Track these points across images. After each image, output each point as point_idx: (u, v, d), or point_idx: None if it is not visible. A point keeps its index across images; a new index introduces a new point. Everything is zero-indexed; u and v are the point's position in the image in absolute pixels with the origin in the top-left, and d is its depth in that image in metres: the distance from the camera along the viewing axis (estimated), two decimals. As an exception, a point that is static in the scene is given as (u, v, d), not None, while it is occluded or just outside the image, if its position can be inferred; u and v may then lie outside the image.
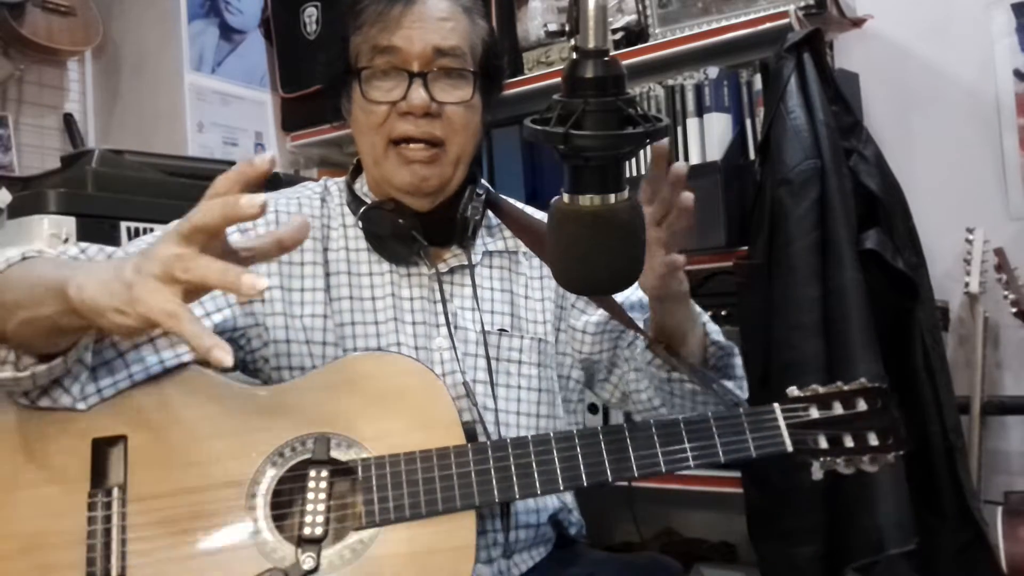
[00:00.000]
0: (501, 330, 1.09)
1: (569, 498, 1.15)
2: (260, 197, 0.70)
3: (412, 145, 1.03)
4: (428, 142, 1.03)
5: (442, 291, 1.07)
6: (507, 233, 1.16)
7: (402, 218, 1.05)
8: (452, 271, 1.10)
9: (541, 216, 1.17)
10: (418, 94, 1.01)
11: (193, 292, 0.73)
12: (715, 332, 1.12)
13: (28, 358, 0.84)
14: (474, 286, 1.09)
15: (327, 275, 1.07)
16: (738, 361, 1.12)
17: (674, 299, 1.01)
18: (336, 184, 1.16)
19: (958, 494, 1.66)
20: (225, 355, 0.69)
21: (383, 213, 1.06)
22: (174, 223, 0.74)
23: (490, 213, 1.15)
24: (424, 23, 1.02)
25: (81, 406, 0.90)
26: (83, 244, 0.97)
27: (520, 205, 1.21)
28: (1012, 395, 1.94)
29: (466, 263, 1.10)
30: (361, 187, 1.13)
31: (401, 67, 1.02)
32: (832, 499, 1.61)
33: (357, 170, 1.14)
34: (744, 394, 1.09)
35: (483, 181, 1.16)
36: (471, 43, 1.06)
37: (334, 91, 1.10)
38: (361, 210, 1.07)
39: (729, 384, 1.07)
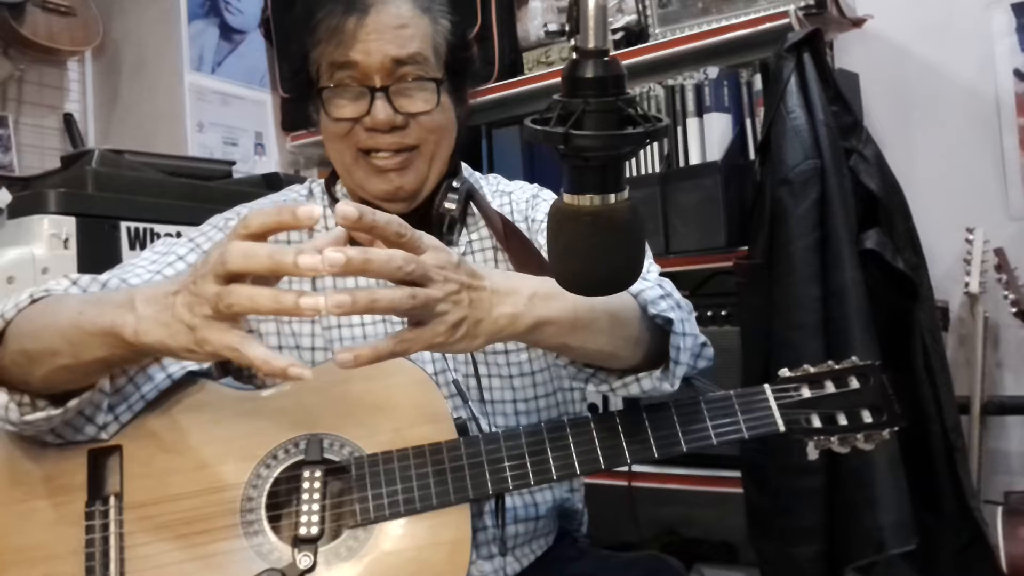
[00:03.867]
0: None
1: (576, 484, 1.15)
2: (318, 263, 0.68)
3: (382, 154, 1.03)
4: (397, 149, 1.03)
5: None
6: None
7: None
8: None
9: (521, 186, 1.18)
10: (381, 110, 1.00)
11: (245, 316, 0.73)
12: (653, 304, 0.90)
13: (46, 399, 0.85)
14: None
15: (313, 279, 1.07)
16: (677, 340, 0.90)
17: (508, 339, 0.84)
18: (319, 185, 1.16)
19: (958, 494, 1.66)
20: (303, 370, 0.70)
21: None
22: (216, 252, 0.72)
23: (472, 202, 1.15)
24: (381, 34, 1.00)
25: (104, 436, 0.91)
26: (73, 275, 0.95)
27: (494, 181, 1.20)
28: (1012, 395, 1.95)
29: None
30: (340, 189, 1.13)
31: (362, 82, 1.01)
32: (832, 499, 1.61)
33: (336, 172, 1.14)
34: (676, 381, 0.92)
35: (466, 169, 1.16)
36: (433, 44, 1.04)
37: (300, 100, 1.10)
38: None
39: (654, 381, 0.91)
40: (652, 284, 0.94)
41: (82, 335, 0.78)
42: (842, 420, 0.96)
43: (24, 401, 0.84)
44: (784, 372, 1.00)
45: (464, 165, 1.17)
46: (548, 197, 1.17)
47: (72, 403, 0.84)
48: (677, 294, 0.98)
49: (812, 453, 0.96)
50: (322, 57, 1.03)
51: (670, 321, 0.89)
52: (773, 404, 0.96)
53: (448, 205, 1.07)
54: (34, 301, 0.86)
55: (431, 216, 1.08)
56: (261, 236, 0.71)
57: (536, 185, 1.21)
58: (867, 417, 0.96)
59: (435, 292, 0.74)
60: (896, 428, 0.96)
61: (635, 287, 0.90)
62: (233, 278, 0.71)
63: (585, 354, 0.88)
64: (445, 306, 0.75)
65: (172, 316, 0.73)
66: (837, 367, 0.99)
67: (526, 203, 1.16)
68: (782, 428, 0.96)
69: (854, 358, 1.00)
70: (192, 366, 0.96)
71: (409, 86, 1.02)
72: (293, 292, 0.69)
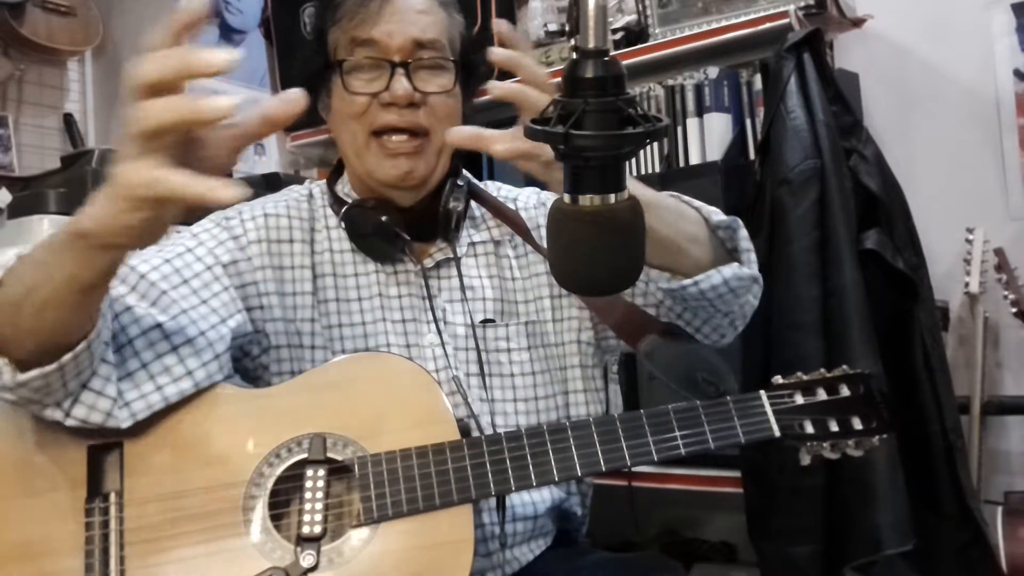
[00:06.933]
0: (485, 321, 1.09)
1: (574, 488, 1.15)
2: (226, 54, 0.64)
3: (395, 137, 1.03)
4: (412, 132, 1.03)
5: (428, 287, 1.07)
6: (491, 223, 1.16)
7: (384, 215, 1.05)
8: (438, 265, 1.10)
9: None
10: (401, 84, 1.01)
11: (174, 147, 0.67)
12: (714, 213, 1.02)
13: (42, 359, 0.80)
14: (460, 278, 1.09)
15: (314, 278, 1.07)
16: (743, 233, 1.02)
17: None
18: (319, 186, 1.16)
19: (958, 494, 1.66)
20: (228, 189, 0.65)
21: (365, 211, 1.06)
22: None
23: (473, 204, 1.15)
24: (403, 16, 1.02)
25: (119, 414, 0.86)
26: None
27: (495, 188, 1.20)
28: (1012, 395, 1.95)
29: (451, 256, 1.10)
30: (343, 187, 1.13)
31: (382, 58, 1.02)
32: (831, 499, 1.61)
33: (337, 171, 1.14)
34: (752, 267, 1.01)
35: (465, 172, 1.16)
36: (449, 36, 1.06)
37: (312, 89, 1.09)
38: (343, 210, 1.07)
39: (734, 268, 0.98)
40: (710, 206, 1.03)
41: (51, 255, 0.76)
42: (833, 426, 0.98)
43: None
44: (777, 379, 1.02)
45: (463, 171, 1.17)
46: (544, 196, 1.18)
47: (66, 358, 0.79)
48: None
49: (805, 459, 0.98)
50: (342, 35, 1.04)
51: (732, 222, 0.99)
52: (768, 410, 0.98)
53: (454, 204, 1.08)
54: (20, 259, 0.82)
55: (438, 213, 1.08)
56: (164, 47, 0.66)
57: (536, 189, 1.21)
58: (857, 424, 0.98)
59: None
60: (885, 436, 0.98)
61: (695, 202, 1.02)
62: (142, 95, 0.65)
63: (654, 239, 0.91)
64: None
65: (107, 185, 0.69)
66: (828, 375, 1.02)
67: (535, 209, 1.16)
68: (777, 433, 0.97)
69: (844, 367, 1.03)
70: (214, 366, 0.93)
71: (428, 66, 1.03)
72: (192, 97, 0.65)
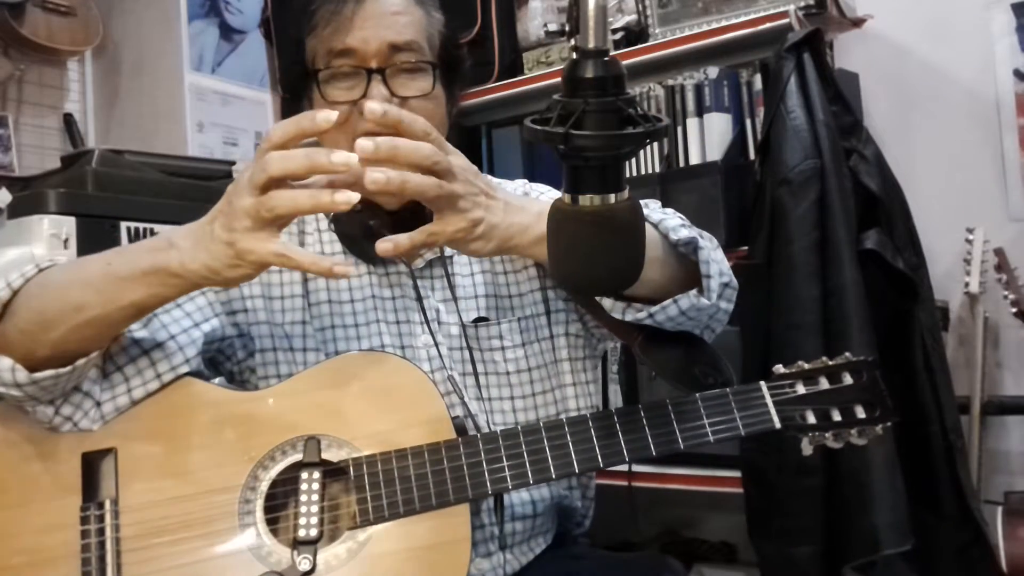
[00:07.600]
0: (477, 320, 1.09)
1: (574, 482, 1.15)
2: (353, 156, 0.76)
3: None
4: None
5: (417, 288, 1.07)
6: None
7: (372, 218, 1.04)
8: (430, 265, 1.10)
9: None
10: (379, 91, 1.00)
11: (284, 224, 0.81)
12: (676, 229, 0.94)
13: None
14: (449, 278, 1.09)
15: (305, 280, 1.07)
16: (704, 254, 0.93)
17: (513, 251, 0.91)
18: None
19: (958, 494, 1.66)
20: (348, 267, 0.81)
21: (353, 214, 1.06)
22: (244, 175, 0.79)
23: None
24: (378, 20, 1.01)
25: (96, 419, 0.91)
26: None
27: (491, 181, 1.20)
28: (1012, 395, 1.95)
29: (441, 256, 1.10)
30: None
31: (359, 66, 1.02)
32: (831, 499, 1.61)
33: None
34: (712, 294, 0.94)
35: None
36: (427, 35, 1.05)
37: (295, 96, 1.09)
38: (332, 213, 1.07)
39: (691, 298, 0.92)
40: (672, 215, 0.98)
41: (116, 282, 0.83)
42: (836, 416, 0.97)
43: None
44: (779, 369, 1.00)
45: None
46: (542, 190, 1.17)
47: (80, 362, 0.86)
48: (698, 230, 0.99)
49: (807, 449, 0.97)
50: (319, 44, 1.03)
51: (692, 240, 0.92)
52: (769, 401, 0.97)
53: None
54: (41, 271, 0.89)
55: (424, 214, 1.07)
56: (285, 147, 0.78)
57: (523, 180, 1.20)
58: (860, 412, 0.97)
59: (458, 188, 0.83)
60: (889, 423, 0.97)
61: (655, 216, 0.96)
62: (269, 186, 0.77)
63: None
64: (466, 203, 0.84)
65: (211, 239, 0.80)
66: (831, 363, 1.00)
67: None
68: (778, 425, 0.96)
69: (847, 354, 1.00)
70: (183, 369, 0.95)
71: (405, 71, 1.02)
72: (324, 190, 0.77)
